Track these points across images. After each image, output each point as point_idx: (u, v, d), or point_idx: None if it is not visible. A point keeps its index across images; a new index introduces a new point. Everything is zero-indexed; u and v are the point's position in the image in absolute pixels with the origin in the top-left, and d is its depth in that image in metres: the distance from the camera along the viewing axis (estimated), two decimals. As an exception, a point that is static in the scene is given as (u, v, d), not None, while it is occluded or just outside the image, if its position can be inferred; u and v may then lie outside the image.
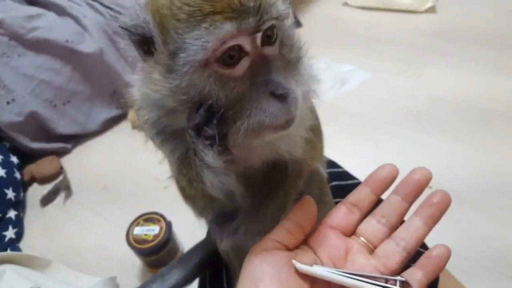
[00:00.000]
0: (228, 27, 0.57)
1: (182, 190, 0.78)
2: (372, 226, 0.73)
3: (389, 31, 2.99)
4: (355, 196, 0.76)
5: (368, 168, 0.81)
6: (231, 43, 0.58)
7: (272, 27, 0.62)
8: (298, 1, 3.43)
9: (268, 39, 0.62)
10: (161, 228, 1.70)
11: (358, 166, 1.28)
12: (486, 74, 2.46)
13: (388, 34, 2.96)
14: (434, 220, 0.72)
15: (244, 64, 0.60)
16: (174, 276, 1.03)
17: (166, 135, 0.72)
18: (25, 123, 2.35)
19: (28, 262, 1.77)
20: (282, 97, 0.59)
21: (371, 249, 0.72)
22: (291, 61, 0.66)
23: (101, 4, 2.63)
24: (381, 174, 0.76)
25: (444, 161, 2.01)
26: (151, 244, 1.66)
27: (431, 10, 3.07)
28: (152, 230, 1.69)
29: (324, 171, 1.02)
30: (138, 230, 1.69)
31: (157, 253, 1.68)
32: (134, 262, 1.81)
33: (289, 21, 0.67)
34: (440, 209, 0.71)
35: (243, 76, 0.61)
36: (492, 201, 1.80)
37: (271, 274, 0.64)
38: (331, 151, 0.93)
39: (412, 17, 3.08)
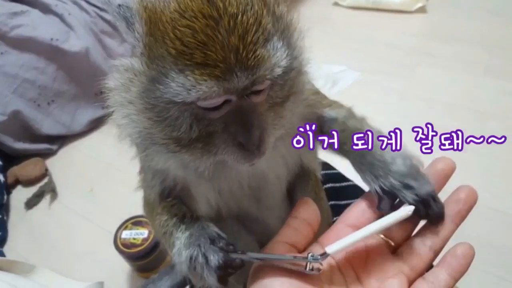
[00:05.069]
0: (215, 87, 0.53)
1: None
2: None
3: (380, 31, 2.98)
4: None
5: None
6: (215, 101, 0.55)
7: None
8: (288, 1, 3.40)
9: (256, 91, 0.58)
10: (150, 232, 1.65)
11: (349, 168, 1.25)
12: (478, 75, 2.46)
13: (378, 34, 2.96)
14: (461, 217, 0.68)
15: (224, 110, 0.57)
16: (166, 283, 1.00)
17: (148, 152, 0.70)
18: (8, 123, 2.28)
19: (11, 267, 1.72)
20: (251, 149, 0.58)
21: (393, 247, 0.68)
22: (279, 100, 0.63)
23: (87, 1, 2.57)
24: None
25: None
26: (139, 248, 1.61)
27: (422, 10, 3.08)
28: (140, 234, 1.65)
29: (319, 175, 1.00)
30: (126, 234, 1.65)
31: (146, 258, 1.63)
32: (122, 267, 1.76)
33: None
34: (467, 204, 0.68)
35: (219, 118, 0.58)
36: (488, 204, 1.78)
37: (281, 282, 0.61)
38: (321, 153, 0.90)
39: (402, 17, 3.08)
